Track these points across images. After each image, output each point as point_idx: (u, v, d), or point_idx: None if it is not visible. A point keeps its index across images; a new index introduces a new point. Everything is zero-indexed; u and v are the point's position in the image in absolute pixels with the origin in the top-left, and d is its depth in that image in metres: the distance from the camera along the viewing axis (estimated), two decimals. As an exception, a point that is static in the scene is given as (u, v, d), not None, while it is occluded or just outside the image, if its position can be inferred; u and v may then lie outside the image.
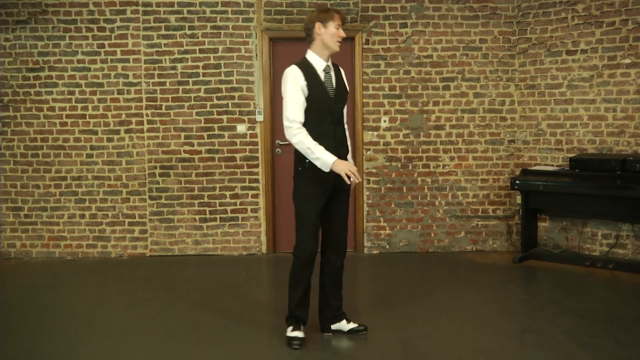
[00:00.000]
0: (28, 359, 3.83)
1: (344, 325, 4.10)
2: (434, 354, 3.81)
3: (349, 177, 3.71)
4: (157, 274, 5.84)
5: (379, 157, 6.50)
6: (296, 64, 3.85)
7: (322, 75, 3.86)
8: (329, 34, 3.84)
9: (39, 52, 6.41)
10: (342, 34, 3.88)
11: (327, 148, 3.77)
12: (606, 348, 3.85)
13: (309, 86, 3.78)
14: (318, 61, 3.88)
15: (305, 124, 3.79)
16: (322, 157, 3.71)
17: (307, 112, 3.80)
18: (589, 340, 3.97)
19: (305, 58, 3.91)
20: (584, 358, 3.70)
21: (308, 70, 3.82)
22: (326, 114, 3.85)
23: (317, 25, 3.85)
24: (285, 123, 3.78)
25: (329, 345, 3.97)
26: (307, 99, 3.79)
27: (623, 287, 5.20)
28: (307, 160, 3.79)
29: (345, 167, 3.71)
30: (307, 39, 3.95)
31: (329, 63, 3.93)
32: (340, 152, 3.87)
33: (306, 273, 3.91)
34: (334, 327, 4.10)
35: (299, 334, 3.93)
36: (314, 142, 3.74)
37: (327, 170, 3.73)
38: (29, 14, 6.38)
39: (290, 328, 3.97)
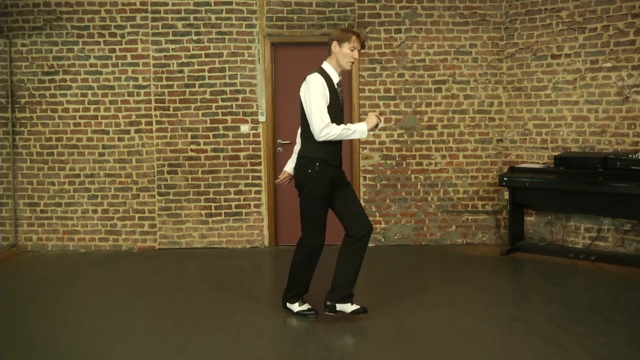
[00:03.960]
0: (43, 346, 3.83)
1: (347, 307, 4.10)
2: (426, 341, 3.81)
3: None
4: (165, 266, 5.84)
5: (374, 156, 6.50)
6: (318, 73, 3.99)
7: (337, 88, 4.03)
8: (342, 53, 3.98)
9: (54, 56, 6.40)
10: (356, 55, 4.00)
11: (336, 152, 4.05)
12: (588, 335, 3.85)
13: (330, 95, 3.96)
14: (333, 75, 4.03)
15: None
16: (358, 128, 3.92)
17: None
18: (573, 328, 3.97)
19: (322, 69, 4.03)
20: (568, 344, 3.70)
21: (327, 80, 3.97)
22: (337, 121, 4.01)
23: (334, 43, 3.99)
24: (320, 127, 3.87)
25: (327, 334, 3.96)
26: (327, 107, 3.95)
27: (604, 278, 5.20)
28: (316, 164, 3.96)
29: (373, 119, 3.94)
30: (328, 52, 4.07)
31: (340, 78, 4.09)
32: (340, 158, 4.14)
33: (314, 262, 4.18)
34: (339, 307, 4.10)
35: (307, 305, 4.26)
36: (341, 125, 3.93)
37: (365, 134, 3.95)
38: (44, 20, 6.37)
39: (297, 304, 4.24)
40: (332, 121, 3.94)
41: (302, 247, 4.13)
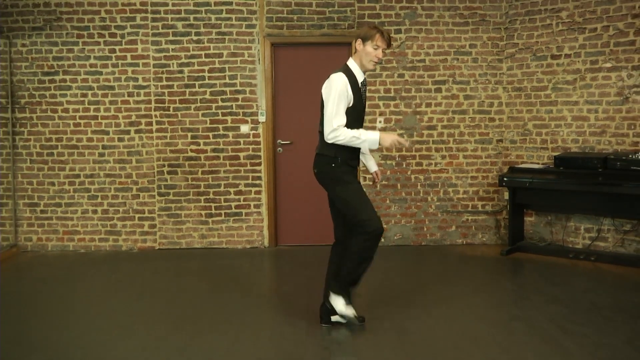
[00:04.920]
0: (43, 346, 3.83)
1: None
2: (426, 341, 3.81)
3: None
4: (165, 266, 5.84)
5: (374, 156, 6.49)
6: (343, 72, 3.81)
7: (361, 87, 3.89)
8: (365, 52, 3.83)
9: (54, 56, 6.39)
10: (379, 54, 3.84)
11: (356, 151, 3.93)
12: (589, 335, 3.85)
13: (353, 96, 3.81)
14: (358, 73, 3.88)
15: None
16: (368, 137, 3.74)
17: (347, 116, 3.81)
18: (573, 328, 3.97)
19: (348, 67, 3.88)
20: (568, 344, 3.70)
21: (352, 80, 3.81)
22: (359, 121, 3.91)
23: (358, 41, 3.85)
24: (332, 127, 3.73)
25: (327, 334, 3.96)
26: (348, 108, 3.80)
27: (604, 278, 5.20)
28: (337, 158, 3.83)
29: (391, 139, 3.78)
30: (353, 50, 3.95)
31: (365, 77, 3.94)
32: (358, 159, 4.03)
33: (374, 250, 3.87)
34: (334, 319, 4.07)
35: (353, 310, 3.96)
36: (354, 130, 3.77)
37: (376, 147, 3.77)
38: (44, 20, 6.36)
39: (344, 301, 3.93)
40: (353, 123, 3.82)
41: (361, 234, 3.79)
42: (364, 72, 3.91)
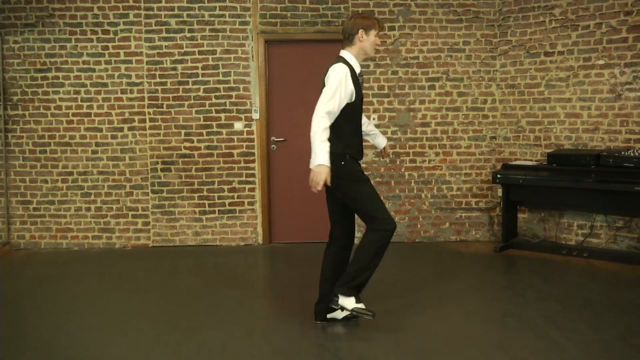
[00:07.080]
0: (37, 345, 3.81)
1: (338, 314, 4.06)
2: (421, 339, 3.81)
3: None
4: (159, 264, 5.82)
5: (368, 153, 6.48)
6: (345, 65, 3.74)
7: (359, 78, 3.83)
8: (370, 41, 3.82)
9: (46, 53, 6.35)
10: (379, 42, 3.89)
11: (361, 146, 3.91)
12: (582, 331, 3.86)
13: (355, 88, 3.74)
14: (356, 65, 3.82)
15: (346, 124, 3.76)
16: (319, 154, 3.59)
17: (350, 112, 3.75)
18: (566, 324, 3.98)
19: (344, 59, 3.80)
20: (561, 341, 3.70)
21: (353, 73, 3.75)
22: (360, 114, 3.90)
23: (361, 32, 3.79)
24: (322, 111, 3.60)
25: (322, 331, 3.96)
26: (350, 104, 3.74)
27: (597, 274, 5.22)
28: (346, 155, 3.76)
29: (317, 176, 3.59)
30: (345, 42, 3.85)
31: (361, 68, 3.90)
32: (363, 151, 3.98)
33: (384, 249, 3.78)
34: (329, 316, 4.06)
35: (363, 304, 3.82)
36: (323, 137, 3.61)
37: (310, 166, 3.62)
38: (36, 17, 6.32)
39: (354, 299, 3.79)
40: (358, 114, 3.83)
41: (378, 231, 3.72)
42: (359, 63, 3.86)
